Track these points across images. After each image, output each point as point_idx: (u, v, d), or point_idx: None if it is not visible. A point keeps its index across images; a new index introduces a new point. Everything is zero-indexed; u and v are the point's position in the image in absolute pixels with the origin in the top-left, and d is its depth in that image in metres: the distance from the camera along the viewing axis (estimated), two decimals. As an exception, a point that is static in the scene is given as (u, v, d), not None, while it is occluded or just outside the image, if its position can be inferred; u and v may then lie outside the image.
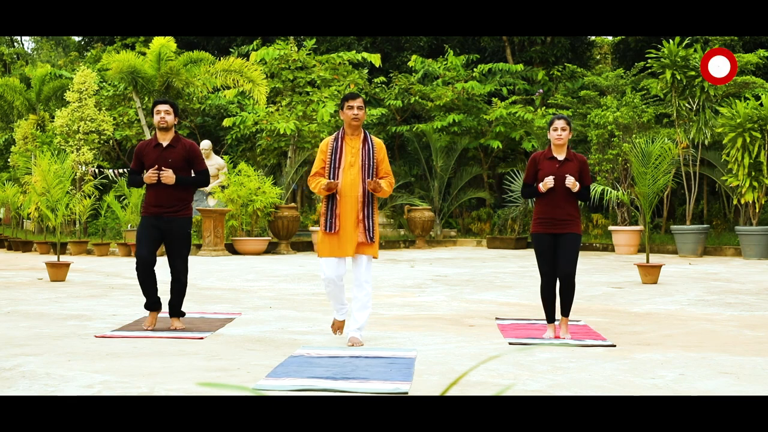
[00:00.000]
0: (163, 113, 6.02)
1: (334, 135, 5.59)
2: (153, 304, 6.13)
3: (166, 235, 6.04)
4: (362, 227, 5.40)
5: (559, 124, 5.71)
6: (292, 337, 5.75)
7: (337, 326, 5.69)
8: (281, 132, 17.91)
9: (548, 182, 5.59)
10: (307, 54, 19.81)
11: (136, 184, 6.21)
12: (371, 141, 5.56)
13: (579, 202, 5.81)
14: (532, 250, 5.84)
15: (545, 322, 6.11)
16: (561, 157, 5.72)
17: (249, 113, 19.50)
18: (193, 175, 6.20)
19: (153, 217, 6.01)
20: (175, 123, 6.14)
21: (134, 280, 9.98)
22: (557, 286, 5.78)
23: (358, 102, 5.52)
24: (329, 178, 5.46)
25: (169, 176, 5.94)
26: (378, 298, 8.08)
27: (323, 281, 5.53)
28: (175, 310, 6.16)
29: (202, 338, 5.68)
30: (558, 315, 5.93)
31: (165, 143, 6.05)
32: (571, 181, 5.57)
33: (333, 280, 5.46)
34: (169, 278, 6.18)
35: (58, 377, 4.30)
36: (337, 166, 5.48)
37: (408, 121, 22.10)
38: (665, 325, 6.42)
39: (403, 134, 20.97)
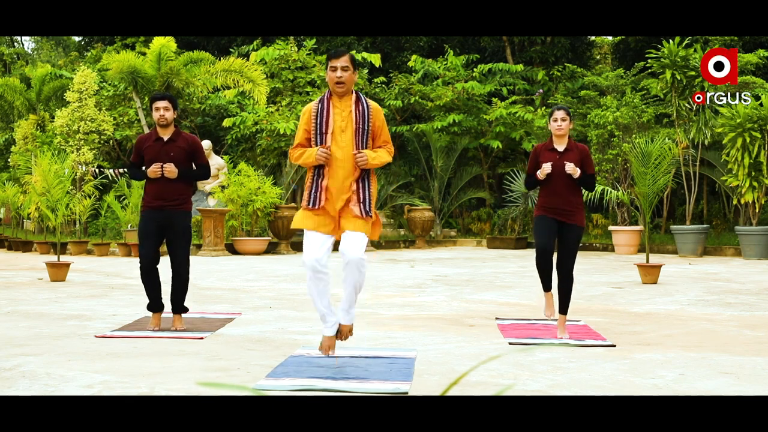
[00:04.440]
0: (162, 110, 6.02)
1: (318, 98, 4.55)
2: (156, 305, 6.12)
3: (167, 229, 6.03)
4: (356, 198, 4.39)
5: (559, 114, 5.73)
6: (292, 337, 5.75)
7: (327, 345, 4.56)
8: (281, 132, 17.92)
9: (546, 168, 5.61)
10: (307, 54, 19.81)
11: (137, 177, 6.25)
12: (366, 102, 4.50)
13: (583, 191, 5.83)
14: (532, 250, 5.86)
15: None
16: (561, 147, 5.74)
17: (249, 113, 19.51)
18: (194, 168, 6.23)
19: (153, 210, 6.01)
20: (175, 117, 6.16)
21: (134, 280, 9.99)
22: (555, 281, 5.80)
23: (342, 61, 4.40)
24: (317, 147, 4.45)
25: (171, 170, 5.94)
26: (378, 298, 8.08)
27: (305, 267, 4.38)
28: (178, 306, 6.13)
29: (202, 338, 5.68)
30: (556, 314, 5.94)
31: (166, 137, 6.07)
32: (570, 167, 5.58)
33: (315, 265, 4.32)
34: (170, 277, 6.16)
35: (58, 377, 4.30)
36: (324, 131, 4.43)
37: (408, 121, 22.11)
38: (665, 325, 6.42)
39: (403, 134, 20.98)
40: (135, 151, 6.18)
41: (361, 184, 4.42)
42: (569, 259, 5.71)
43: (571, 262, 5.72)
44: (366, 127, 4.45)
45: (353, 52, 20.76)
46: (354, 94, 4.52)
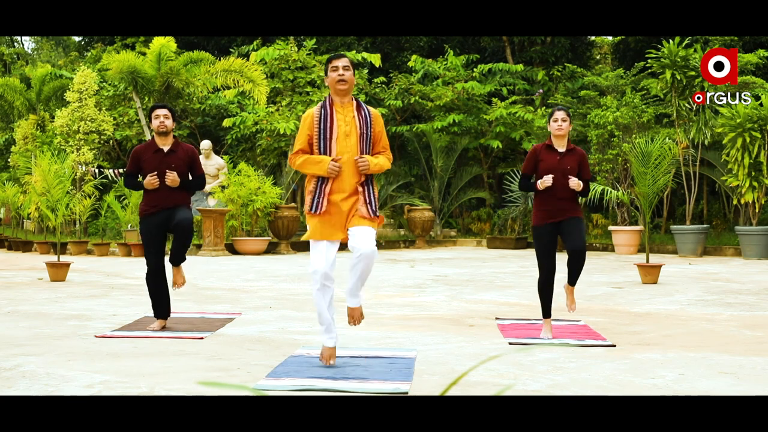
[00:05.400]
0: (162, 118, 6.00)
1: (320, 103, 4.61)
2: (163, 313, 6.08)
3: (170, 219, 5.94)
4: (363, 199, 4.50)
5: (560, 115, 5.71)
6: (292, 337, 5.75)
7: (329, 355, 4.61)
8: (281, 132, 17.93)
9: (546, 181, 5.56)
10: (307, 54, 19.81)
11: (134, 187, 6.15)
12: (367, 109, 4.63)
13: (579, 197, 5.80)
14: (532, 250, 5.87)
15: (542, 320, 6.11)
16: (561, 149, 5.72)
17: (249, 113, 19.52)
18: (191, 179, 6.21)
19: (153, 215, 5.98)
20: (173, 127, 6.13)
21: (134, 280, 9.99)
22: (563, 271, 5.77)
23: (343, 61, 4.56)
24: (320, 153, 4.52)
25: (174, 179, 5.91)
26: (378, 298, 8.08)
27: (312, 276, 4.51)
28: (177, 258, 5.99)
29: (202, 338, 5.68)
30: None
31: (166, 148, 6.03)
32: (574, 183, 5.55)
33: (323, 273, 4.44)
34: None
35: (58, 377, 4.30)
36: (328, 136, 4.50)
37: (408, 121, 22.11)
38: (665, 325, 6.42)
39: (403, 134, 20.98)
40: (132, 162, 6.05)
41: (366, 188, 4.54)
42: (579, 240, 5.58)
43: (581, 243, 5.58)
44: (369, 133, 4.57)
45: (353, 52, 20.74)
46: (354, 101, 4.63)
